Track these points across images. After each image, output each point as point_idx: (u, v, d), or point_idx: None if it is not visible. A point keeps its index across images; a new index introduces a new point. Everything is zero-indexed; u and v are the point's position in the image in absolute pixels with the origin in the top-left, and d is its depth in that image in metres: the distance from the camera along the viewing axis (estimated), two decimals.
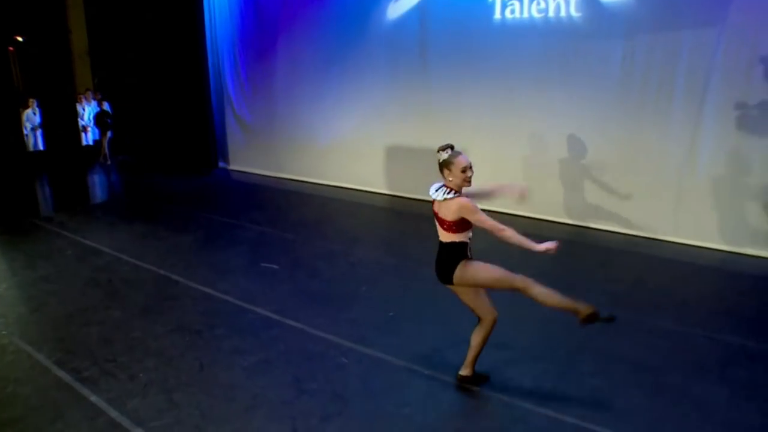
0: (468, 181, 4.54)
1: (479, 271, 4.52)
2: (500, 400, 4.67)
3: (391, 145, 11.13)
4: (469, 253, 4.61)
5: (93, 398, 4.46)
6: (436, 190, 4.59)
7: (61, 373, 4.82)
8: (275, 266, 7.52)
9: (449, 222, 4.49)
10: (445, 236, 4.60)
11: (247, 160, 13.34)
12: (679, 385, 4.93)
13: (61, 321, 5.80)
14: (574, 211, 9.35)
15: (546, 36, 9.22)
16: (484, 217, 4.41)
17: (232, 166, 13.60)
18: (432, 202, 4.63)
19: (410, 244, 8.70)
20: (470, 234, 4.59)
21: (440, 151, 4.62)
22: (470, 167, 4.54)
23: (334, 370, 5.08)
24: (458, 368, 5.00)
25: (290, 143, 12.50)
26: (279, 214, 10.28)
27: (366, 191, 11.68)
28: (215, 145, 13.47)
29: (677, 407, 4.63)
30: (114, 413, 4.28)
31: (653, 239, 8.75)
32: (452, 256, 4.58)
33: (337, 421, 4.35)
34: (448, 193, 4.50)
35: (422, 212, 10.50)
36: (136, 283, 6.85)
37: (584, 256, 8.21)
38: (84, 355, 5.12)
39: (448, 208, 4.47)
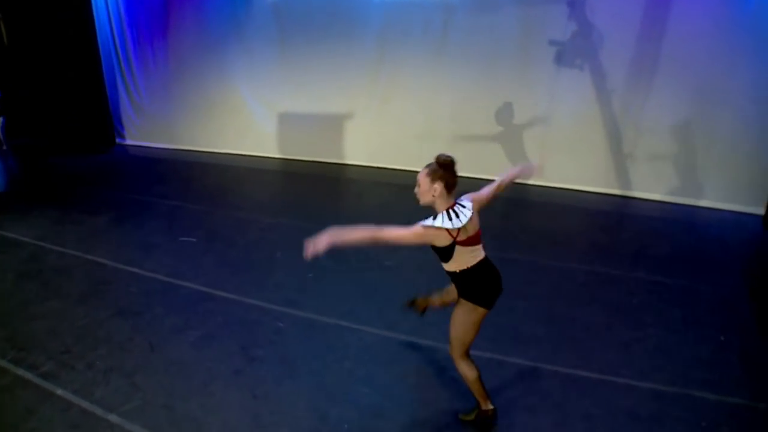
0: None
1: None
2: (426, 345, 5.06)
3: (282, 111, 11.09)
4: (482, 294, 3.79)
5: (59, 392, 4.40)
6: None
7: (20, 371, 4.67)
8: (193, 239, 7.47)
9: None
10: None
11: (143, 134, 12.76)
12: (567, 313, 5.53)
13: (4, 318, 5.53)
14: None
15: (422, 11, 9.45)
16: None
17: (129, 142, 12.98)
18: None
19: (310, 205, 8.88)
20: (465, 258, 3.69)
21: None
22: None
23: (273, 335, 5.25)
24: (380, 320, 5.35)
25: (185, 115, 12.12)
26: (184, 186, 10.07)
27: (261, 156, 11.61)
28: (111, 122, 12.79)
29: (568, 331, 5.21)
30: (84, 403, 4.27)
31: (523, 184, 9.35)
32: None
33: (289, 383, 4.56)
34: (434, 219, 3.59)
35: (315, 172, 10.64)
36: (66, 270, 6.59)
37: None
38: (37, 350, 4.97)
39: None
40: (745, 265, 6.69)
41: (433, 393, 4.50)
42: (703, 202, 8.44)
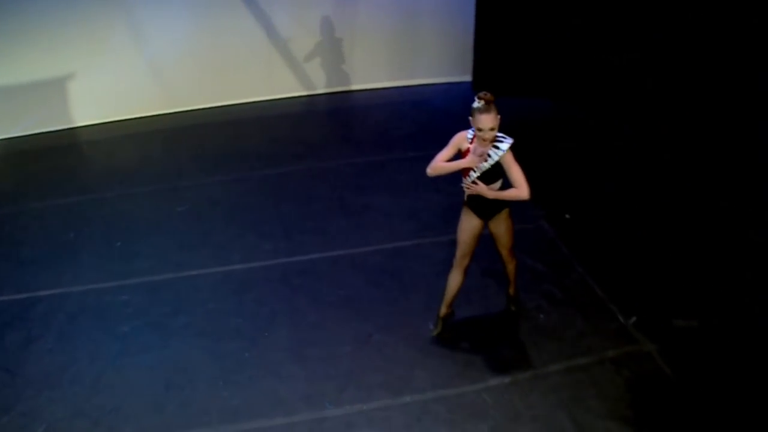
0: (483, 140, 3.70)
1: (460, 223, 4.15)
2: (260, 267, 5.29)
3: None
4: (464, 197, 4.11)
5: None
6: None
7: None
8: None
9: None
10: None
11: None
12: (358, 202, 6.06)
13: None
14: (173, 101, 8.92)
15: None
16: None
17: None
18: None
19: (68, 179, 7.54)
20: (468, 180, 3.96)
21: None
22: (489, 129, 3.63)
23: (126, 310, 4.88)
24: (211, 260, 5.40)
25: None
26: None
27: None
28: None
29: (365, 218, 5.69)
30: None
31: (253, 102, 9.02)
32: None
33: (175, 342, 4.47)
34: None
35: (46, 144, 8.58)
36: None
37: (215, 133, 8.34)
38: None
39: None
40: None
41: (293, 304, 4.85)
42: (419, 81, 8.98)
